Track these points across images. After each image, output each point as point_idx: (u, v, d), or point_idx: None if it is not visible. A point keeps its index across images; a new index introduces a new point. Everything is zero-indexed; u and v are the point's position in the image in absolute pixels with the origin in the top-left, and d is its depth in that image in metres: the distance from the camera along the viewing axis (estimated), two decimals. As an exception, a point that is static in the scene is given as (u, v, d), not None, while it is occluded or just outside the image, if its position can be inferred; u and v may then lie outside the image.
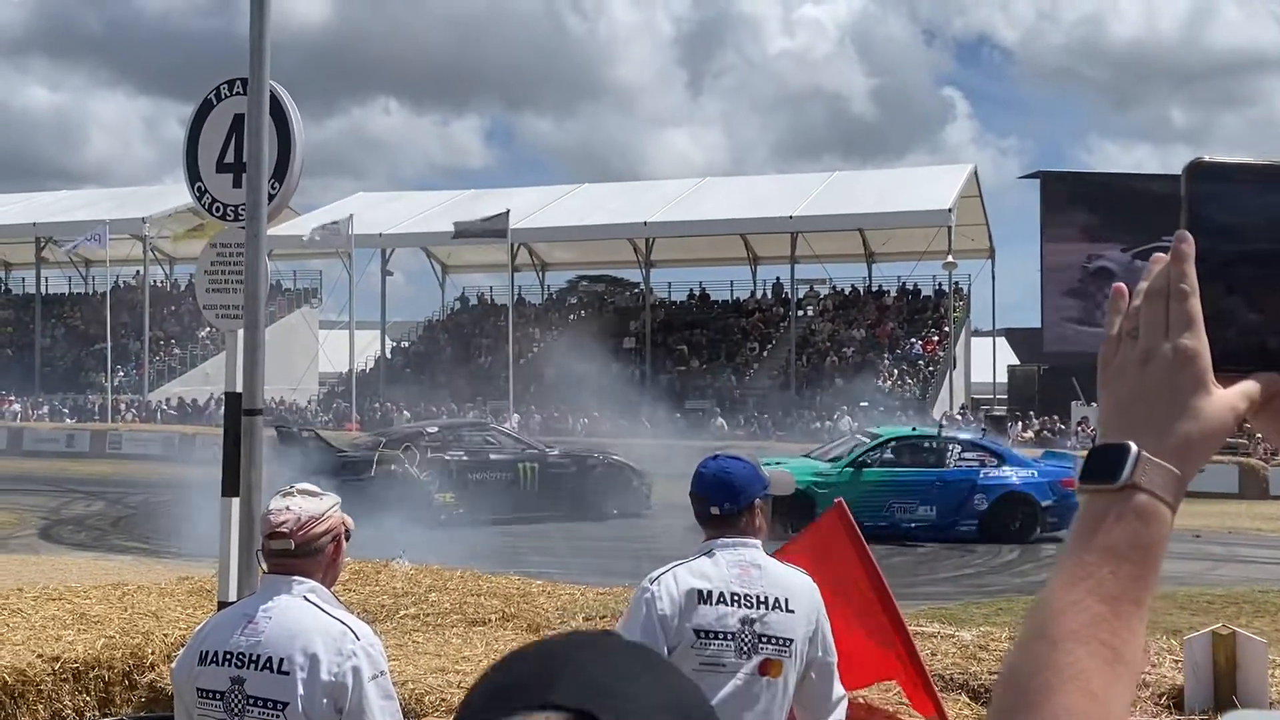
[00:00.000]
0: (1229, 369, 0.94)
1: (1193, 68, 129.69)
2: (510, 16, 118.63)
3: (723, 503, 3.48)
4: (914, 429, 22.20)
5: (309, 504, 3.21)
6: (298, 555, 3.17)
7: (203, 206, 5.33)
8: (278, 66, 4.60)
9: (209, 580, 7.76)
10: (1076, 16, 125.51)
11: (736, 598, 3.39)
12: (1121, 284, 0.98)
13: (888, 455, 19.53)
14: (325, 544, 3.21)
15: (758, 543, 3.51)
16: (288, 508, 3.19)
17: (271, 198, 4.75)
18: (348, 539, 3.32)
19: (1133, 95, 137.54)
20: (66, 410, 44.64)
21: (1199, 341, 0.93)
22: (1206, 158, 0.96)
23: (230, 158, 5.17)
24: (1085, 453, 0.98)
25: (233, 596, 5.25)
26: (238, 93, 5.12)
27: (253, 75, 4.34)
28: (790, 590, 3.45)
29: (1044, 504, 18.59)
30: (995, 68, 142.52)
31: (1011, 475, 19.13)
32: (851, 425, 37.11)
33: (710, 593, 3.38)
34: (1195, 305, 0.94)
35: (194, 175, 5.33)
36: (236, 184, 5.12)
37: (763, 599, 3.40)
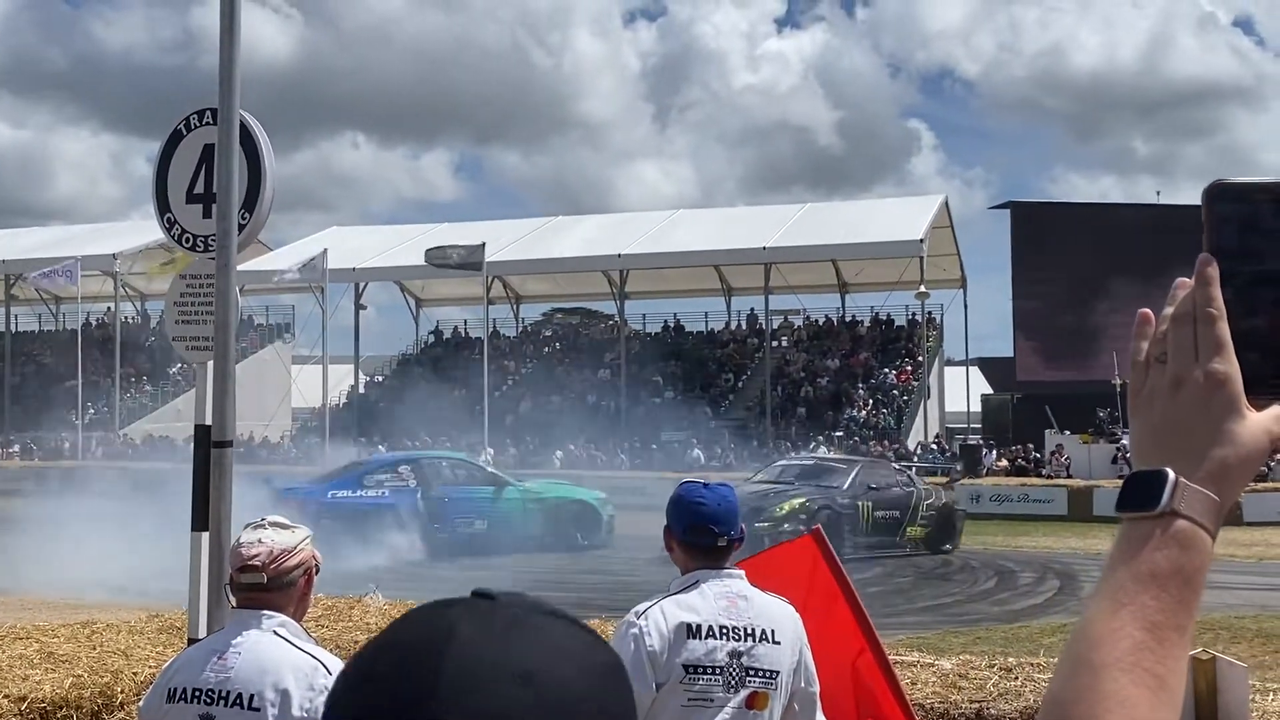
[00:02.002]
0: (1261, 392, 0.94)
1: (1153, 98, 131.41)
2: (476, 51, 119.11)
3: (729, 531, 3.40)
4: None
5: (281, 536, 3.15)
6: (269, 589, 3.11)
7: (172, 238, 5.27)
8: (244, 100, 4.55)
9: (179, 617, 7.64)
10: (1036, 49, 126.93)
11: (725, 630, 3.32)
12: (1146, 310, 0.97)
13: None
14: (297, 577, 3.15)
15: (742, 573, 3.45)
16: (260, 540, 3.13)
17: (242, 227, 4.70)
18: (317, 572, 3.26)
19: (1095, 126, 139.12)
20: (36, 448, 44.22)
21: (1230, 365, 0.93)
22: (1226, 180, 0.96)
23: (200, 188, 5.11)
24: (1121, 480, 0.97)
25: (203, 633, 5.15)
26: (207, 123, 5.07)
27: (222, 104, 4.30)
28: (776, 621, 3.39)
29: None
30: (958, 100, 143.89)
31: None
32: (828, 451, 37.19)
33: (699, 626, 3.30)
34: (1224, 329, 0.93)
35: (163, 206, 5.27)
36: (206, 214, 5.07)
37: (750, 631, 3.33)
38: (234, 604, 3.23)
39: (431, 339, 53.28)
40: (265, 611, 3.09)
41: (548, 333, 52.64)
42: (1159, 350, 0.96)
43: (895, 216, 44.24)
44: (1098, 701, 0.87)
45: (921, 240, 40.70)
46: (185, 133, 5.20)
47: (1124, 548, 0.93)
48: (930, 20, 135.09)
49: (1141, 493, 0.93)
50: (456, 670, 0.78)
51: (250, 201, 4.88)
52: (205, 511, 4.76)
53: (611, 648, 0.86)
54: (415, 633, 0.82)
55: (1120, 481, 0.96)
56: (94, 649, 6.65)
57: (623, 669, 0.85)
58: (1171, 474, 0.92)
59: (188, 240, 5.21)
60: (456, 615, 0.81)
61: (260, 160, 4.93)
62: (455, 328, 53.47)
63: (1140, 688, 0.87)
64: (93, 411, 47.36)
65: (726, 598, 3.37)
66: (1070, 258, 42.96)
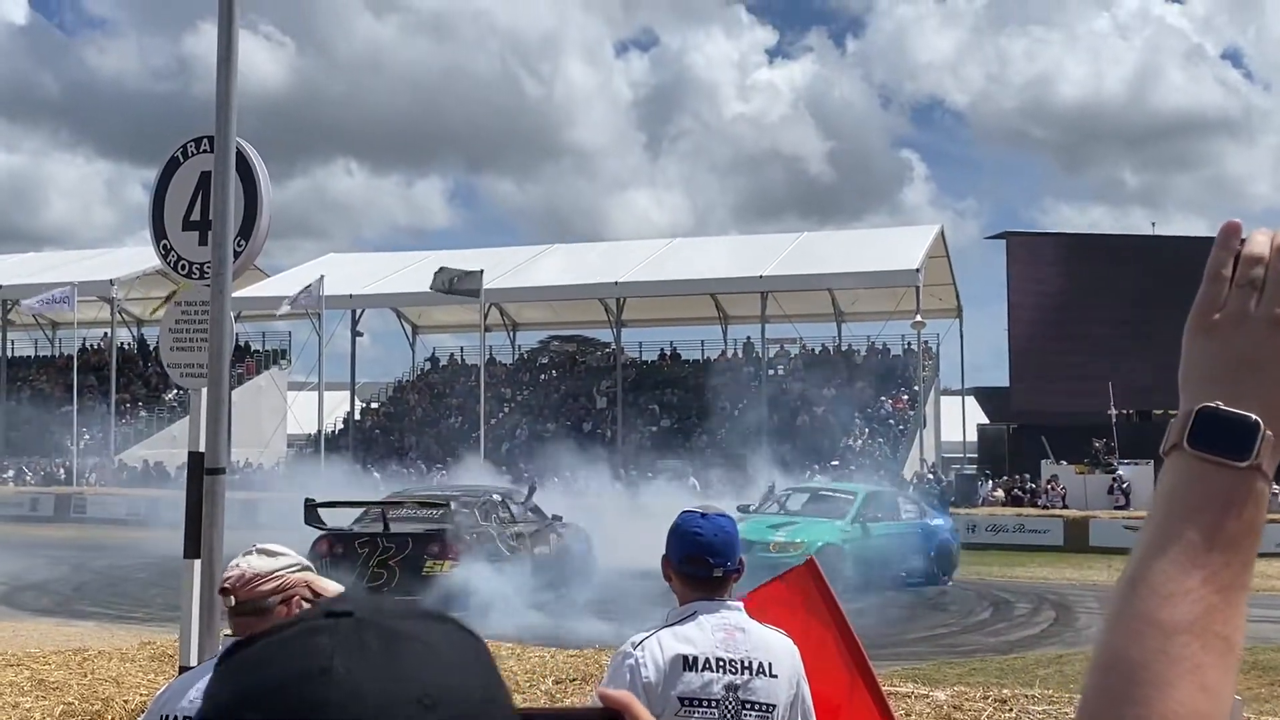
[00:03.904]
0: None
1: (1141, 129, 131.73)
2: (468, 79, 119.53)
3: (725, 562, 3.37)
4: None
5: (258, 562, 3.18)
6: (244, 614, 3.13)
7: (168, 264, 5.29)
8: (238, 127, 4.56)
9: (171, 645, 7.62)
10: (1023, 80, 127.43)
11: (722, 663, 3.29)
12: (1237, 221, 0.91)
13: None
14: (272, 604, 3.14)
15: (740, 605, 3.43)
16: (236, 565, 3.17)
17: (237, 255, 4.70)
18: (311, 602, 3.24)
19: (1084, 157, 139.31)
20: (31, 473, 44.11)
21: None
22: None
23: (196, 215, 5.13)
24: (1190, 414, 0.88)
25: (194, 660, 5.14)
26: (204, 150, 5.10)
27: (219, 131, 4.32)
28: (774, 654, 3.37)
29: None
30: (948, 130, 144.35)
31: None
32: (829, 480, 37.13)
33: (696, 659, 3.27)
34: None
35: (159, 233, 5.29)
36: (202, 241, 5.08)
37: (747, 664, 3.31)
38: (228, 632, 3.26)
39: (428, 365, 53.28)
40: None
41: (544, 360, 52.63)
42: (1251, 276, 0.89)
43: (891, 246, 44.35)
44: (1168, 665, 0.83)
45: (918, 270, 40.80)
46: (182, 160, 5.22)
47: (1197, 499, 0.87)
48: (919, 51, 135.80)
49: (1227, 437, 0.86)
50: (346, 711, 0.68)
51: (246, 229, 4.89)
52: (197, 539, 4.75)
53: (470, 627, 0.76)
54: (284, 671, 0.70)
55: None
56: (85, 676, 6.62)
57: (485, 648, 0.76)
58: (1262, 424, 0.86)
59: (183, 267, 5.22)
60: (327, 643, 0.70)
61: (257, 188, 4.95)
62: (451, 354, 53.49)
63: (1211, 653, 0.83)
64: (88, 437, 47.27)
65: (724, 629, 3.35)
66: (1066, 288, 43.06)
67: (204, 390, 4.79)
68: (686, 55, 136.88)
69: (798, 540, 18.51)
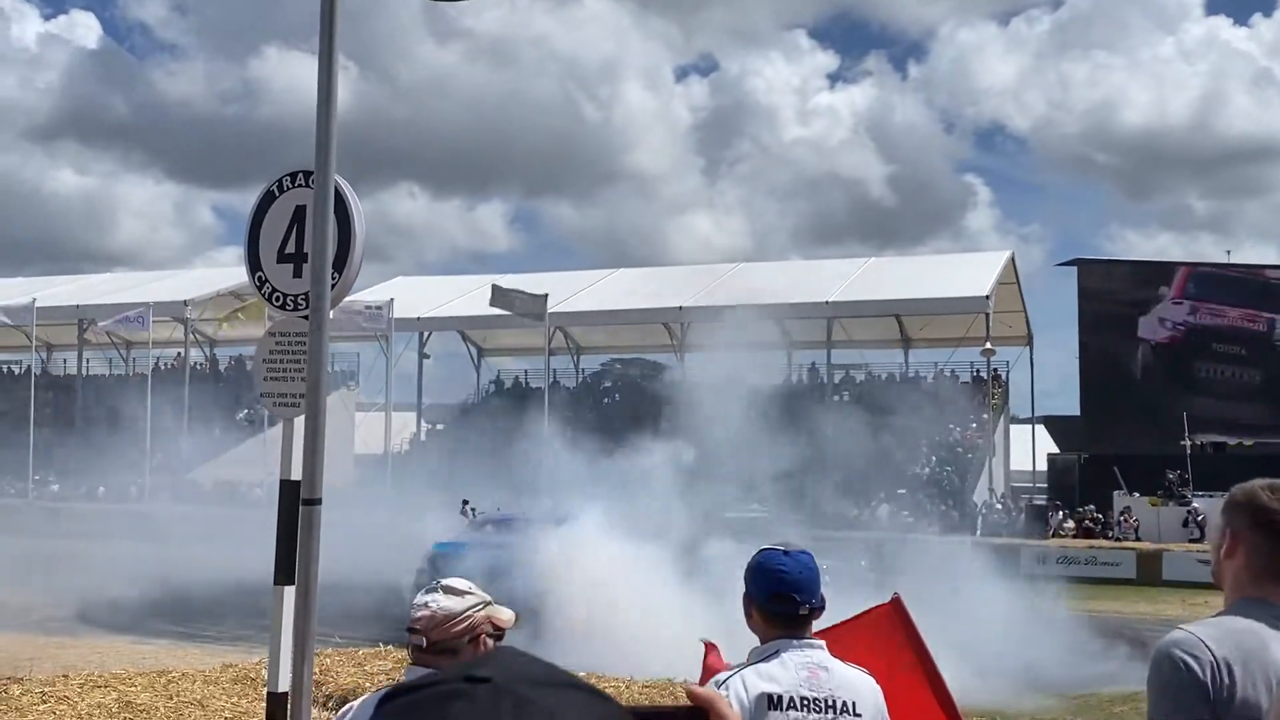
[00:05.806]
0: None
1: (1208, 155, 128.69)
2: (528, 103, 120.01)
3: (810, 599, 3.38)
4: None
5: (448, 602, 3.23)
6: (433, 653, 3.20)
7: (263, 295, 5.41)
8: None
9: (253, 668, 7.72)
10: (1087, 105, 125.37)
11: (806, 702, 3.29)
12: None
13: None
14: (462, 644, 3.20)
15: (822, 643, 3.43)
16: (426, 604, 3.23)
17: (332, 287, 4.80)
18: (499, 638, 3.27)
19: (1150, 183, 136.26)
20: (104, 491, 44.91)
21: None
22: None
23: (291, 248, 5.25)
24: None
25: (284, 686, 5.21)
26: (299, 185, 5.21)
27: (319, 170, 4.41)
28: (858, 693, 3.37)
29: None
30: (1011, 156, 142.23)
31: None
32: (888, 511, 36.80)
33: (781, 697, 3.28)
34: None
35: (254, 265, 5.41)
36: (297, 274, 5.20)
37: (831, 703, 3.32)
38: (410, 661, 3.32)
39: (492, 388, 53.59)
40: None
41: (607, 383, 52.73)
42: None
43: (960, 272, 43.99)
44: None
45: (987, 296, 40.43)
46: (278, 194, 5.34)
47: None
48: (981, 76, 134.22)
49: None
50: None
51: (340, 262, 4.99)
52: (290, 565, 4.83)
53: (618, 703, 0.79)
54: None
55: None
56: (171, 699, 6.71)
57: (621, 714, 0.79)
58: None
59: (278, 299, 5.34)
60: (458, 711, 0.74)
61: (351, 223, 5.05)
62: (516, 377, 53.76)
63: None
64: (160, 456, 48.05)
65: (807, 668, 3.35)
66: (1137, 315, 42.45)
67: (298, 420, 4.88)
68: (746, 80, 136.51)
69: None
